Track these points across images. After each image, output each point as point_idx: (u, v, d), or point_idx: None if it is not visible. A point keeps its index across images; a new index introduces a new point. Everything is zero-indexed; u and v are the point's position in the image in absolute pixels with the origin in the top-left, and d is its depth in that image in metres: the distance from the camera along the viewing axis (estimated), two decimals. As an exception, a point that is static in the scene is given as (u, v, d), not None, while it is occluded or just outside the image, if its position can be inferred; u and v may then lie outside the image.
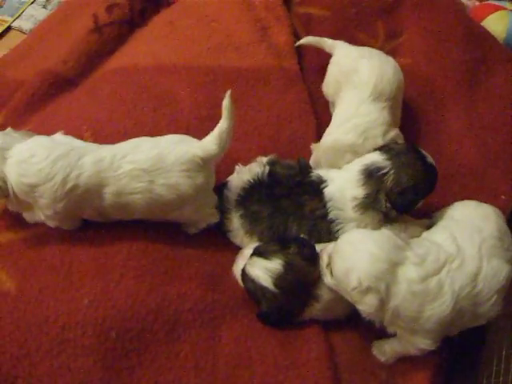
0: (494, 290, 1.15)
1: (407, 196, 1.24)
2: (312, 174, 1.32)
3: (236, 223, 1.32)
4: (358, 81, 1.45)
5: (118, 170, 1.19)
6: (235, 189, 1.32)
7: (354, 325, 1.27)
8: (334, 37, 1.74)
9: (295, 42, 1.72)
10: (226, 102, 1.19)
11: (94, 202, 1.21)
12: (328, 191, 1.29)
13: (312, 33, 1.75)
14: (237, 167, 1.38)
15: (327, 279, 1.17)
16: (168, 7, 1.98)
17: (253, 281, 1.21)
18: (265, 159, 1.37)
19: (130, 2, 1.92)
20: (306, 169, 1.34)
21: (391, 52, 1.74)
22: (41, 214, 1.24)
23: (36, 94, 1.67)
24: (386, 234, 1.17)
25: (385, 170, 1.24)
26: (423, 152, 1.30)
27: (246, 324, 1.23)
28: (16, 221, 1.29)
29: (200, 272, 1.27)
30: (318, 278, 1.20)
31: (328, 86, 1.58)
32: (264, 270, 1.20)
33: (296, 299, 1.21)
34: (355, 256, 1.12)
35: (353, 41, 1.75)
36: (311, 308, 1.23)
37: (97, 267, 1.22)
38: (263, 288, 1.20)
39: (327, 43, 1.63)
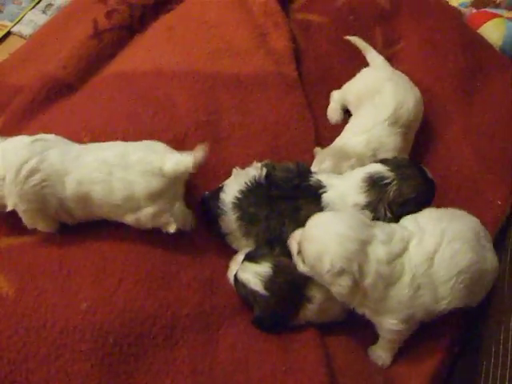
0: (452, 271, 1.15)
1: (408, 207, 1.26)
2: (311, 178, 1.32)
3: (233, 226, 1.32)
4: (379, 102, 1.49)
5: (81, 162, 1.23)
6: (232, 191, 1.32)
7: (350, 329, 1.28)
8: (333, 43, 1.78)
9: (293, 48, 1.72)
10: (198, 152, 1.21)
11: (57, 191, 1.22)
12: (326, 196, 1.29)
13: (310, 39, 1.78)
14: (234, 170, 1.38)
15: (300, 266, 1.17)
16: (167, 13, 1.98)
17: (244, 286, 1.22)
18: (259, 164, 1.37)
19: (130, 7, 1.93)
20: (305, 173, 1.34)
21: (389, 59, 1.76)
22: (9, 205, 1.23)
23: (35, 100, 1.66)
24: (352, 213, 1.19)
25: (388, 180, 1.26)
26: (423, 167, 1.33)
27: (243, 329, 1.24)
28: (15, 226, 1.29)
29: (198, 277, 1.27)
30: (309, 279, 1.20)
31: (350, 93, 1.62)
32: (254, 274, 1.21)
33: (288, 301, 1.21)
34: (325, 239, 1.13)
35: (350, 47, 1.78)
36: (305, 310, 1.23)
37: (95, 272, 1.22)
38: (254, 292, 1.21)
39: (369, 53, 1.71)
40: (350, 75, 1.66)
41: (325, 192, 1.29)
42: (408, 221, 1.23)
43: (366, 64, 1.72)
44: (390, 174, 1.27)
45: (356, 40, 1.74)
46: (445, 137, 1.65)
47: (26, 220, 1.27)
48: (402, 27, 1.89)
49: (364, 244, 1.12)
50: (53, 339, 1.13)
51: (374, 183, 1.27)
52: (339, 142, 1.49)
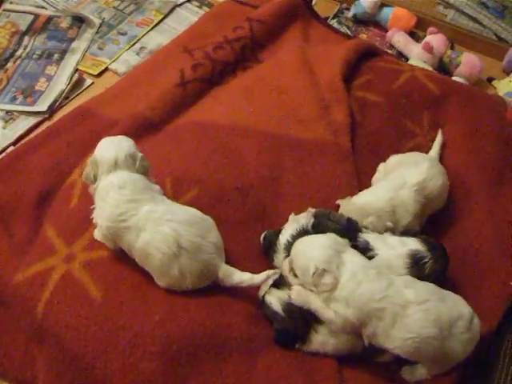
0: (413, 329, 1.30)
1: (440, 279, 1.49)
2: (359, 239, 1.49)
3: (282, 263, 1.50)
4: (414, 170, 1.68)
5: (159, 226, 1.38)
6: (287, 235, 1.53)
7: (367, 364, 1.44)
8: (384, 122, 1.97)
9: (350, 122, 1.92)
10: (265, 274, 1.41)
11: (131, 239, 1.40)
12: (375, 261, 1.45)
13: (366, 115, 1.97)
14: (290, 216, 1.59)
15: (292, 281, 1.40)
16: (243, 71, 2.24)
17: (268, 306, 1.45)
18: (313, 210, 1.57)
19: (213, 63, 2.20)
20: (354, 231, 1.52)
21: (432, 141, 1.94)
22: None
23: (127, 133, 1.79)
24: (329, 234, 1.42)
25: (426, 260, 1.48)
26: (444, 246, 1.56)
27: (278, 356, 1.42)
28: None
29: (245, 309, 1.46)
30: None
31: (392, 163, 1.81)
32: (276, 298, 1.44)
33: (299, 323, 1.41)
34: (309, 251, 1.37)
35: (400, 126, 1.98)
36: (313, 338, 1.41)
37: (166, 294, 1.43)
38: (275, 312, 1.43)
39: (435, 144, 1.91)
40: (396, 152, 1.84)
41: (373, 257, 1.45)
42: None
43: (410, 145, 1.91)
44: (427, 254, 1.49)
45: (439, 134, 1.94)
46: (471, 217, 1.78)
47: (98, 235, 1.50)
48: (448, 112, 2.04)
49: (339, 252, 1.36)
50: (129, 339, 1.33)
51: (416, 262, 1.48)
52: (361, 198, 1.65)
